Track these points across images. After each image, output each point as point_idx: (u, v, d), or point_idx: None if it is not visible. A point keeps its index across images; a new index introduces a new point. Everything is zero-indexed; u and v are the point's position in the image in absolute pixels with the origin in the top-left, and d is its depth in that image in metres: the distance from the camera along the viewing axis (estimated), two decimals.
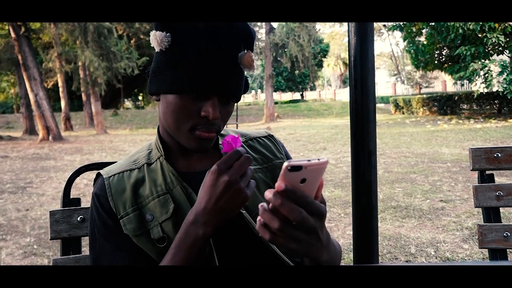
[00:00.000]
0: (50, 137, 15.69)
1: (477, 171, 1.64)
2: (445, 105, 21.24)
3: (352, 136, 1.26)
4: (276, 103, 33.30)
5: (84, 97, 24.54)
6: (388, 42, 48.91)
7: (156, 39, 0.88)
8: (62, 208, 1.17)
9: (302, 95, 44.34)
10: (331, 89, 49.14)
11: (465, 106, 21.15)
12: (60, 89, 23.44)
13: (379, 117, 21.02)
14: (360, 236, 1.28)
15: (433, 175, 6.27)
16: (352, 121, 1.25)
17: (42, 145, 14.37)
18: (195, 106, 0.89)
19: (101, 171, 1.01)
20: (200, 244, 0.82)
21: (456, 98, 21.12)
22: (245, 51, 0.91)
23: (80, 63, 20.63)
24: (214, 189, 0.78)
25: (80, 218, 1.17)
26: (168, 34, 0.88)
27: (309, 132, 15.46)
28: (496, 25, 16.16)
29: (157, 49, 0.90)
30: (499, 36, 16.15)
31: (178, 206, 0.94)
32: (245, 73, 0.99)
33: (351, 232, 1.11)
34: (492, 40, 16.34)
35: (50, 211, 1.15)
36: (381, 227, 4.06)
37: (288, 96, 47.75)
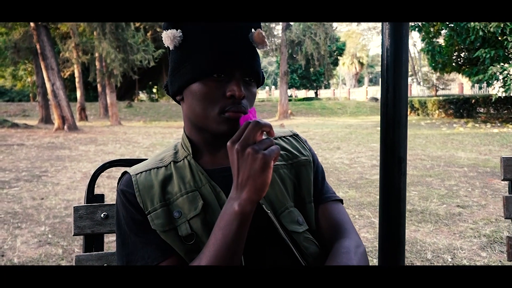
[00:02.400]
0: (65, 127, 15.83)
1: (508, 181, 1.60)
2: (461, 108, 20.97)
3: (382, 141, 1.22)
4: (290, 100, 33.21)
5: (99, 88, 24.73)
6: None
7: (169, 37, 0.92)
8: (86, 204, 1.15)
9: (316, 93, 44.14)
10: (346, 88, 48.84)
11: (482, 110, 20.85)
12: (76, 79, 23.67)
13: None
14: (386, 243, 1.25)
15: (450, 180, 6.18)
16: (383, 126, 1.22)
17: (57, 134, 14.51)
18: (219, 89, 0.91)
19: (128, 170, 1.00)
20: (237, 222, 0.81)
21: (473, 101, 20.83)
22: (255, 30, 0.94)
23: (97, 54, 20.78)
24: (233, 163, 0.80)
25: (104, 214, 1.15)
26: (178, 30, 0.92)
27: (323, 130, 15.38)
28: None
29: (171, 47, 0.93)
30: None
31: (207, 203, 0.94)
32: (261, 65, 1.05)
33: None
34: None
35: (74, 207, 1.14)
36: None
37: (302, 93, 47.58)
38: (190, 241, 0.91)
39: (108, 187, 5.97)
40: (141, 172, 0.97)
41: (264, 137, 0.89)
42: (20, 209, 4.93)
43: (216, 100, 0.91)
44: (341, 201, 1.11)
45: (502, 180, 1.56)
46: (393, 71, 1.18)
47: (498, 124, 17.03)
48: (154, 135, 14.53)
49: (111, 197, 5.34)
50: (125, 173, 1.00)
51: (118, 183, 1.00)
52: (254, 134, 0.79)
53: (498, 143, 11.25)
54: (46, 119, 20.33)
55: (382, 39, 1.20)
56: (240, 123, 0.88)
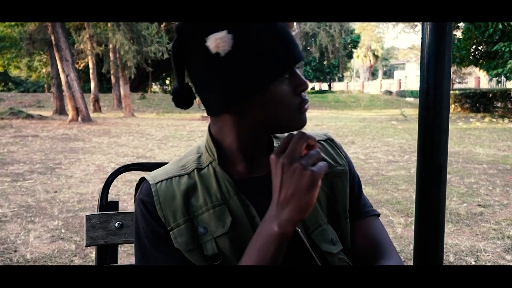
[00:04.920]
0: (79, 118, 15.89)
1: None
2: (478, 102, 20.60)
3: (420, 148, 1.12)
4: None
5: (113, 80, 24.78)
6: (421, 34, 47.69)
7: (222, 41, 0.77)
8: (99, 213, 1.07)
9: (329, 85, 43.80)
10: (359, 81, 48.38)
11: (499, 104, 20.47)
12: (91, 71, 23.74)
13: (408, 111, 20.55)
14: (424, 256, 1.15)
15: (469, 177, 6.02)
16: (421, 131, 1.12)
17: (71, 126, 14.56)
18: (289, 85, 0.83)
19: (146, 177, 0.90)
20: (276, 244, 0.73)
21: (490, 95, 20.46)
22: None
23: (111, 46, 20.78)
24: (276, 178, 0.73)
25: (118, 224, 1.07)
26: (229, 34, 0.77)
27: (336, 124, 15.21)
28: None
29: (223, 52, 0.77)
30: None
31: (235, 219, 0.85)
32: None
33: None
34: None
35: (86, 215, 1.06)
36: None
37: (315, 86, 47.26)
38: (216, 261, 0.83)
39: (122, 191, 5.93)
40: (162, 181, 0.88)
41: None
42: (34, 203, 4.91)
43: (293, 98, 0.83)
44: (378, 215, 1.01)
45: None
46: (435, 71, 1.07)
47: None
48: (167, 127, 14.50)
49: (127, 204, 5.31)
50: (143, 179, 0.91)
51: (136, 191, 0.92)
52: (300, 147, 0.73)
53: None
54: (61, 110, 20.44)
55: (423, 35, 1.09)
56: None
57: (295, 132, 0.76)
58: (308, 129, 0.88)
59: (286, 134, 1.00)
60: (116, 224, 1.07)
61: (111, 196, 5.08)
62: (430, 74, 1.08)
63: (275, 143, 0.94)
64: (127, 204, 4.82)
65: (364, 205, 0.99)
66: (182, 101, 0.88)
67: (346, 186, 0.97)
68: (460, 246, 3.47)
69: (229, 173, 0.89)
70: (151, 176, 0.90)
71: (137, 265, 0.86)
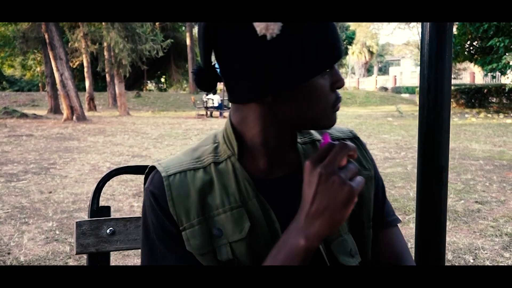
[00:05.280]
0: (74, 117, 15.80)
1: None
2: (473, 97, 20.64)
3: (421, 148, 1.09)
4: None
5: (108, 78, 24.66)
6: (416, 30, 47.83)
7: (275, 24, 0.71)
8: (89, 219, 1.03)
9: None
10: (355, 78, 48.40)
11: (494, 100, 20.52)
12: (85, 69, 23.63)
13: (404, 108, 20.57)
14: (425, 257, 1.12)
15: (466, 173, 6.02)
16: (421, 131, 1.09)
17: (66, 125, 14.48)
18: (327, 80, 0.77)
19: (157, 166, 0.83)
20: (301, 258, 0.69)
21: (485, 91, 20.50)
22: None
23: (105, 44, 20.66)
24: (310, 187, 0.68)
25: (110, 230, 1.03)
26: None
27: None
28: None
29: (269, 35, 0.70)
30: None
31: (253, 224, 0.79)
32: None
33: None
34: None
35: (76, 222, 1.02)
36: (413, 228, 3.88)
37: None
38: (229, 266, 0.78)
39: (118, 191, 5.88)
40: (175, 174, 0.81)
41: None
42: (28, 203, 4.85)
43: (329, 94, 0.78)
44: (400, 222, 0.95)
45: None
46: (435, 69, 1.04)
47: (511, 114, 16.74)
48: (162, 125, 14.44)
49: (122, 204, 5.26)
50: (153, 168, 0.84)
51: (145, 179, 0.86)
52: (341, 159, 0.68)
53: None
54: (55, 109, 20.31)
55: (422, 33, 1.06)
56: (323, 138, 0.75)
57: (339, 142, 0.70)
58: None
59: (312, 132, 0.93)
60: (108, 231, 1.03)
61: (106, 196, 5.05)
62: (431, 72, 1.04)
63: (298, 139, 0.87)
64: (123, 205, 4.78)
65: (388, 213, 0.93)
66: (207, 83, 0.81)
67: (371, 192, 0.90)
68: (458, 244, 3.45)
69: (249, 170, 0.82)
70: (163, 167, 0.82)
71: (143, 262, 0.82)
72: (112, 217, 1.06)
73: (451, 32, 1.04)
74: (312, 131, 0.91)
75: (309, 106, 0.76)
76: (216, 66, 0.80)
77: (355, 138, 0.94)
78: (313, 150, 0.87)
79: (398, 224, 0.95)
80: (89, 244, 1.02)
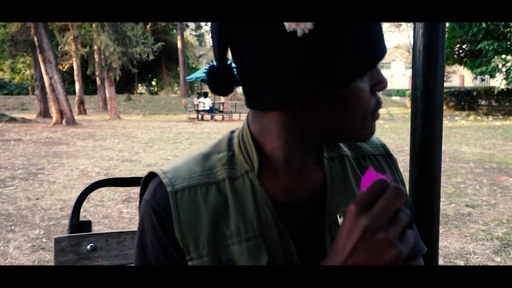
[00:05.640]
0: (64, 121, 15.65)
1: None
2: (463, 100, 20.83)
3: (413, 158, 1.06)
4: None
5: (98, 81, 24.53)
6: (406, 34, 48.10)
7: None
8: (69, 235, 0.99)
9: None
10: None
11: (483, 102, 20.73)
12: (75, 73, 23.46)
13: (394, 111, 20.67)
14: None
15: (456, 177, 6.02)
16: (414, 140, 1.06)
17: (55, 129, 14.33)
18: (367, 82, 0.66)
19: (161, 175, 0.70)
20: None
21: (475, 93, 20.68)
22: None
23: (95, 47, 20.55)
24: (349, 238, 0.57)
25: (91, 246, 0.99)
26: None
27: None
28: None
29: (300, 32, 0.57)
30: None
31: (271, 257, 0.68)
32: None
33: None
34: None
35: (55, 238, 0.97)
36: None
37: None
38: None
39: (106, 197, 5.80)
40: (184, 189, 0.68)
41: (350, 151, 0.69)
42: (14, 210, 4.77)
43: (370, 99, 0.66)
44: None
45: None
46: (427, 77, 1.01)
47: (500, 117, 16.90)
48: (153, 129, 14.35)
49: (111, 210, 5.18)
50: (153, 175, 0.72)
51: (142, 188, 0.74)
52: (392, 209, 0.57)
53: (502, 136, 11.12)
54: (45, 113, 20.12)
55: (414, 39, 1.03)
56: (365, 178, 0.62)
57: (387, 178, 0.59)
58: None
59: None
60: (88, 247, 0.99)
61: (95, 202, 4.98)
62: (423, 80, 1.02)
63: (326, 154, 0.77)
64: (111, 211, 4.71)
65: (416, 243, 0.84)
66: (223, 86, 0.68)
67: None
68: (450, 248, 3.44)
69: (268, 190, 0.71)
70: (168, 178, 0.69)
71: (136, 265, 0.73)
72: (93, 232, 1.02)
73: (444, 39, 1.02)
74: (341, 144, 0.80)
75: (345, 115, 0.65)
76: (233, 65, 0.68)
77: (387, 155, 0.83)
78: (341, 167, 0.77)
79: None
80: (68, 261, 0.97)
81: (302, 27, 0.57)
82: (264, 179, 0.71)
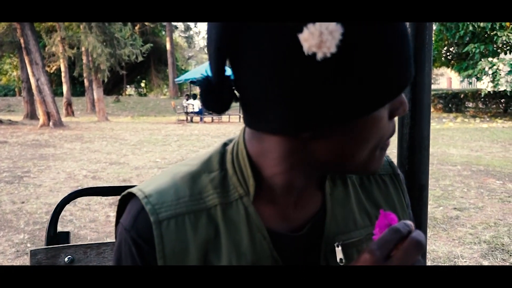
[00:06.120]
0: (51, 123, 15.48)
1: None
2: (450, 102, 21.01)
3: (400, 167, 1.03)
4: None
5: (86, 83, 24.32)
6: None
7: (331, 36, 0.49)
8: (45, 247, 0.95)
9: None
10: None
11: (470, 105, 20.94)
12: (63, 74, 23.24)
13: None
14: None
15: (444, 179, 6.05)
16: (401, 149, 1.04)
17: (42, 131, 14.16)
18: (386, 108, 0.58)
19: (143, 199, 0.61)
20: None
21: (462, 96, 20.88)
22: None
23: (83, 49, 20.38)
24: None
25: (68, 258, 0.95)
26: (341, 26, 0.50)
27: None
28: (508, 23, 15.87)
29: (328, 53, 0.49)
30: (509, 34, 15.87)
31: None
32: None
33: None
34: (502, 39, 16.07)
35: (31, 250, 0.94)
36: None
37: None
38: None
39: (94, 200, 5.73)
40: (170, 219, 0.61)
41: None
42: None
43: (385, 131, 0.59)
44: None
45: None
46: (415, 84, 0.99)
47: (487, 119, 17.06)
48: (142, 131, 14.25)
49: (98, 214, 5.12)
50: (131, 196, 0.64)
51: (120, 208, 0.66)
52: (413, 260, 0.53)
53: (489, 138, 11.22)
54: (32, 115, 19.89)
55: None
56: (379, 223, 0.57)
57: (400, 226, 0.53)
58: None
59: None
60: (66, 259, 0.95)
61: (81, 206, 4.91)
62: (410, 88, 1.00)
63: (328, 176, 0.70)
64: (98, 215, 4.65)
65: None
66: (219, 102, 0.58)
67: None
68: (438, 252, 3.44)
69: (264, 217, 0.64)
70: (151, 204, 0.61)
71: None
72: (71, 244, 0.98)
73: (430, 47, 1.00)
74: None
75: (358, 145, 0.57)
76: (232, 77, 0.58)
77: (394, 175, 0.75)
78: (343, 189, 0.70)
79: None
80: None
81: (324, 51, 0.49)
82: (259, 206, 0.64)
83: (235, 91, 0.58)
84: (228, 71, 0.57)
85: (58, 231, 0.99)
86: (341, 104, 0.52)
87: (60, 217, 3.53)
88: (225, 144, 0.68)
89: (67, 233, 1.00)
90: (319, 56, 0.49)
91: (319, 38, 0.49)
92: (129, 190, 0.64)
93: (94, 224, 4.37)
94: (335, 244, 0.65)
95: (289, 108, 0.53)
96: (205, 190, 0.63)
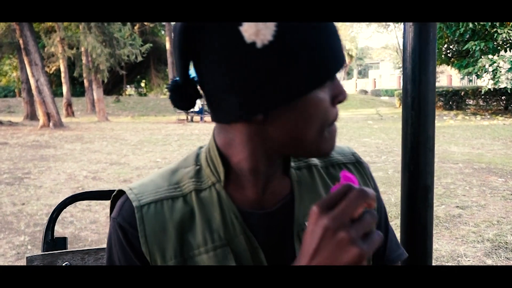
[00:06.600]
0: (51, 124, 15.46)
1: None
2: (451, 100, 20.96)
3: (405, 167, 1.02)
4: None
5: (86, 83, 24.29)
6: (394, 34, 48.48)
7: (266, 27, 0.59)
8: (42, 253, 0.93)
9: None
10: None
11: (471, 102, 20.90)
12: (62, 75, 23.21)
13: (384, 110, 20.75)
14: None
15: (446, 177, 6.02)
16: (405, 149, 1.01)
17: (43, 132, 14.14)
18: (327, 93, 0.65)
19: (128, 191, 0.71)
20: None
21: (462, 93, 20.83)
22: None
23: (82, 49, 20.36)
24: (312, 238, 0.56)
25: (66, 265, 0.93)
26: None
27: None
28: None
29: (259, 43, 0.59)
30: (510, 31, 15.81)
31: (239, 265, 0.69)
32: None
33: None
34: (502, 36, 16.02)
35: (27, 257, 0.91)
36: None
37: None
38: None
39: (88, 205, 5.72)
40: (150, 204, 0.69)
41: (319, 162, 0.68)
42: None
43: (330, 111, 0.66)
44: (406, 256, 0.86)
45: None
46: (419, 83, 0.97)
47: (488, 116, 17.02)
48: (142, 131, 14.23)
49: (98, 215, 5.10)
50: (121, 193, 0.73)
51: (111, 206, 0.74)
52: (354, 210, 0.55)
53: (490, 136, 11.18)
54: (32, 116, 19.87)
55: (404, 44, 0.99)
56: (341, 177, 0.62)
57: (358, 187, 0.57)
58: None
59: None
60: (64, 265, 0.93)
61: (82, 207, 4.89)
62: (414, 85, 0.98)
63: (293, 164, 0.77)
64: (99, 215, 4.63)
65: (390, 249, 0.82)
66: (185, 100, 0.68)
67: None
68: (441, 251, 3.42)
69: (236, 200, 0.72)
70: (135, 193, 0.71)
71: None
72: (68, 249, 0.96)
73: (434, 45, 0.98)
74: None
75: (305, 125, 0.65)
76: (196, 78, 0.68)
77: (357, 163, 0.82)
78: (309, 176, 0.77)
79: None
80: None
81: (261, 38, 0.59)
82: (231, 190, 0.72)
83: (200, 90, 0.68)
84: (193, 73, 0.68)
85: (55, 236, 0.96)
86: (283, 86, 0.61)
87: (61, 218, 3.51)
88: (200, 147, 0.77)
89: (64, 239, 0.97)
90: (259, 44, 0.59)
91: (255, 27, 0.59)
92: (119, 188, 0.73)
93: (95, 226, 4.35)
94: (305, 223, 0.67)
95: (240, 95, 0.62)
96: (182, 180, 0.73)
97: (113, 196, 0.74)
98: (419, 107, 0.98)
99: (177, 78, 0.68)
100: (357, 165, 0.82)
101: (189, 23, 0.64)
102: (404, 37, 0.99)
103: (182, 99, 0.69)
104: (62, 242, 0.96)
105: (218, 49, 0.61)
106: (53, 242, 0.95)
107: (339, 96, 0.66)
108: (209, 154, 0.73)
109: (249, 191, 0.71)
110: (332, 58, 0.63)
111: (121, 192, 0.73)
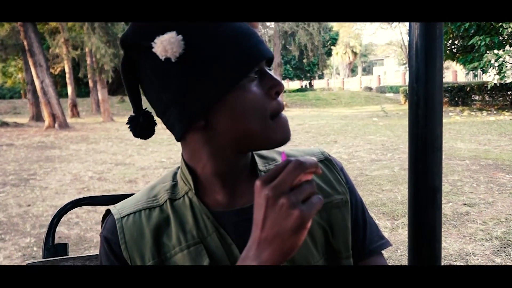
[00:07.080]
0: (56, 125, 15.52)
1: None
2: (456, 96, 20.83)
3: (412, 168, 0.99)
4: (284, 91, 32.94)
5: (91, 84, 24.36)
6: (398, 30, 48.26)
7: (172, 44, 0.65)
8: (43, 259, 0.91)
9: (310, 83, 43.87)
10: (340, 78, 48.62)
11: (476, 98, 20.76)
12: (67, 75, 23.28)
13: (389, 107, 20.66)
14: None
15: (453, 174, 5.97)
16: (413, 149, 0.99)
17: (48, 133, 14.20)
18: (261, 87, 0.71)
19: (112, 208, 0.79)
20: None
21: (468, 89, 20.69)
22: None
23: (87, 49, 20.39)
24: (259, 211, 0.60)
25: None
26: (178, 35, 0.66)
27: (319, 123, 15.15)
28: None
29: (173, 58, 0.66)
30: None
31: (213, 261, 0.73)
32: None
33: None
34: (508, 31, 15.89)
35: (27, 264, 0.90)
36: (401, 234, 3.81)
37: (296, 84, 47.31)
38: None
39: (94, 206, 5.71)
40: (129, 215, 0.76)
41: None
42: (5, 218, 4.68)
43: (266, 103, 0.71)
44: (389, 245, 0.90)
45: None
46: (425, 81, 0.94)
47: (494, 112, 16.90)
48: None
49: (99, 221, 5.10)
50: (109, 212, 0.80)
51: (102, 225, 0.81)
52: (292, 178, 0.58)
53: (496, 131, 11.10)
54: (37, 117, 19.97)
55: (410, 42, 0.97)
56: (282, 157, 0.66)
57: (293, 158, 0.61)
58: (291, 130, 0.74)
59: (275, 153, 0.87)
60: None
61: (88, 208, 4.89)
62: (421, 83, 0.95)
63: (261, 166, 0.81)
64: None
65: (370, 240, 0.86)
66: (143, 130, 0.75)
67: (347, 219, 0.83)
68: (449, 249, 3.38)
69: (208, 204, 0.76)
70: (117, 209, 0.78)
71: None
72: (69, 256, 0.94)
73: (441, 42, 0.95)
74: (277, 157, 0.85)
75: (244, 122, 0.69)
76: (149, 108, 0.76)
77: (326, 160, 0.87)
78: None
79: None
80: None
81: (172, 53, 0.65)
82: (202, 196, 0.76)
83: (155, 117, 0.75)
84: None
85: (56, 242, 0.94)
86: (207, 87, 0.66)
87: (66, 220, 3.50)
88: (178, 167, 0.83)
89: (65, 245, 0.96)
90: (172, 58, 0.65)
91: (161, 45, 0.65)
92: (107, 209, 0.81)
93: (100, 227, 4.35)
94: None
95: (175, 109, 0.69)
96: (159, 193, 0.79)
97: (103, 217, 0.81)
98: (426, 105, 0.95)
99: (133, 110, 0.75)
100: (326, 162, 0.87)
101: (126, 56, 0.71)
102: (409, 35, 0.96)
103: (139, 129, 0.75)
104: (62, 248, 0.95)
105: (147, 71, 0.69)
106: (53, 248, 0.94)
107: (274, 87, 0.70)
108: (181, 169, 0.79)
109: (218, 194, 0.76)
110: (245, 54, 0.67)
111: (108, 212, 0.80)
